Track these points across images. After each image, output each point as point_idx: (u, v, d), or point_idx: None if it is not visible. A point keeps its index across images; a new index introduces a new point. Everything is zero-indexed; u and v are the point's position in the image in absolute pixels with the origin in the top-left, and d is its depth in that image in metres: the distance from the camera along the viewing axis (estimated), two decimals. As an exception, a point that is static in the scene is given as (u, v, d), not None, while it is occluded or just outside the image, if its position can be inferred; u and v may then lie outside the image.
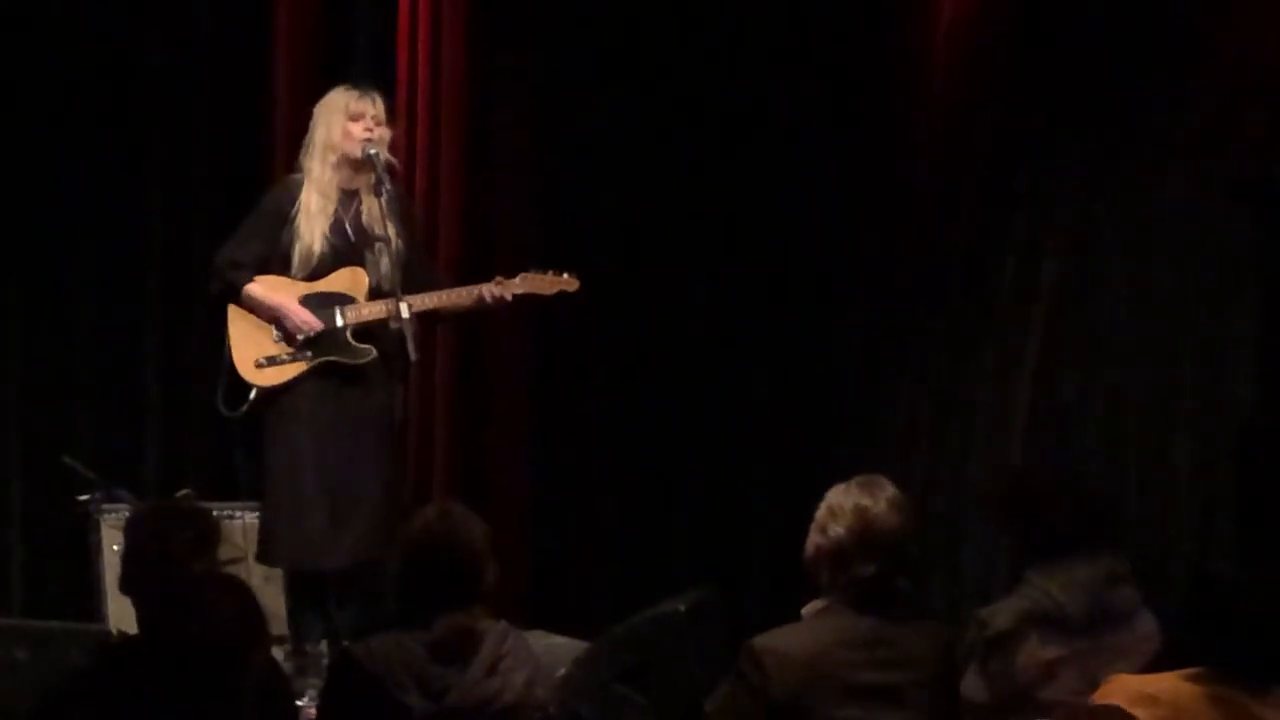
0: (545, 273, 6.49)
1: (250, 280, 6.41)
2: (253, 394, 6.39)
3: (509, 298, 6.45)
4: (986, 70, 6.68)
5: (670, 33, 7.30)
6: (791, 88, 7.16)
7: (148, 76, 7.52)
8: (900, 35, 6.96)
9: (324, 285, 6.42)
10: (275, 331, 6.41)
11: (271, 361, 6.40)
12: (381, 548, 6.08)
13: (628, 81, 7.34)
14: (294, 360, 6.40)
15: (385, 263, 6.38)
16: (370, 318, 6.38)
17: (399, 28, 7.36)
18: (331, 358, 6.39)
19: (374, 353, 6.39)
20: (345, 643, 4.64)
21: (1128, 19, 6.32)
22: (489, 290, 6.43)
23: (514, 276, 6.47)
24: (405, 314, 6.25)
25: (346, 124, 6.40)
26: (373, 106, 6.42)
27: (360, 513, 6.29)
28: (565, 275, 6.49)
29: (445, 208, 7.33)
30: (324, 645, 6.31)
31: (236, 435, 6.68)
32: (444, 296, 6.42)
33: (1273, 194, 6.00)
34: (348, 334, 6.40)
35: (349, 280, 6.41)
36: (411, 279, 6.41)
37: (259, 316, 6.41)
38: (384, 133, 6.43)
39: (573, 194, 7.42)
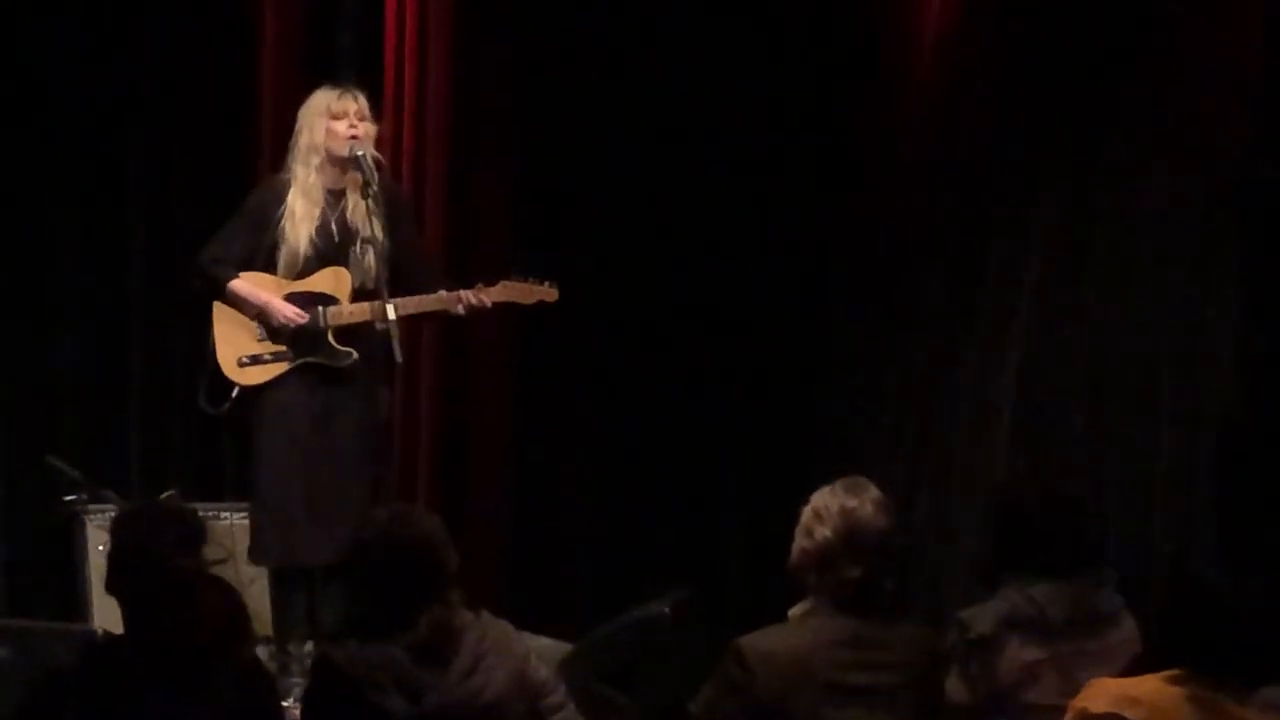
0: (525, 280, 6.48)
1: (235, 276, 6.42)
2: (234, 392, 6.39)
3: (489, 304, 6.45)
4: (971, 72, 6.69)
5: (655, 32, 7.30)
6: (776, 88, 7.16)
7: (132, 75, 7.52)
8: (886, 37, 6.97)
9: (307, 285, 6.41)
10: (258, 330, 6.41)
11: (254, 360, 6.40)
12: None
13: (614, 76, 7.33)
14: (276, 360, 6.40)
15: (370, 263, 6.37)
16: (352, 319, 6.37)
17: (385, 23, 7.36)
18: (312, 359, 6.39)
19: (355, 355, 6.38)
20: (325, 646, 4.64)
21: (1111, 21, 6.34)
22: (468, 297, 6.42)
23: (495, 284, 6.46)
24: (391, 315, 6.25)
25: (329, 124, 6.39)
26: (355, 104, 6.41)
27: (344, 510, 6.29)
28: (545, 285, 6.48)
29: (430, 203, 7.33)
30: (309, 645, 6.32)
31: (223, 435, 6.67)
32: (424, 302, 6.40)
33: (1256, 196, 6.02)
34: (329, 335, 6.39)
35: (332, 281, 6.41)
36: (403, 277, 6.41)
37: (244, 312, 6.41)
38: (368, 129, 6.43)
39: (558, 189, 7.42)
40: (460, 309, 6.41)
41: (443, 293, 6.43)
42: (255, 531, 6.44)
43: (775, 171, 7.17)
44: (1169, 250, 6.20)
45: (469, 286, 6.46)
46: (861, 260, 6.99)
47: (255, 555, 6.43)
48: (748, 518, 7.12)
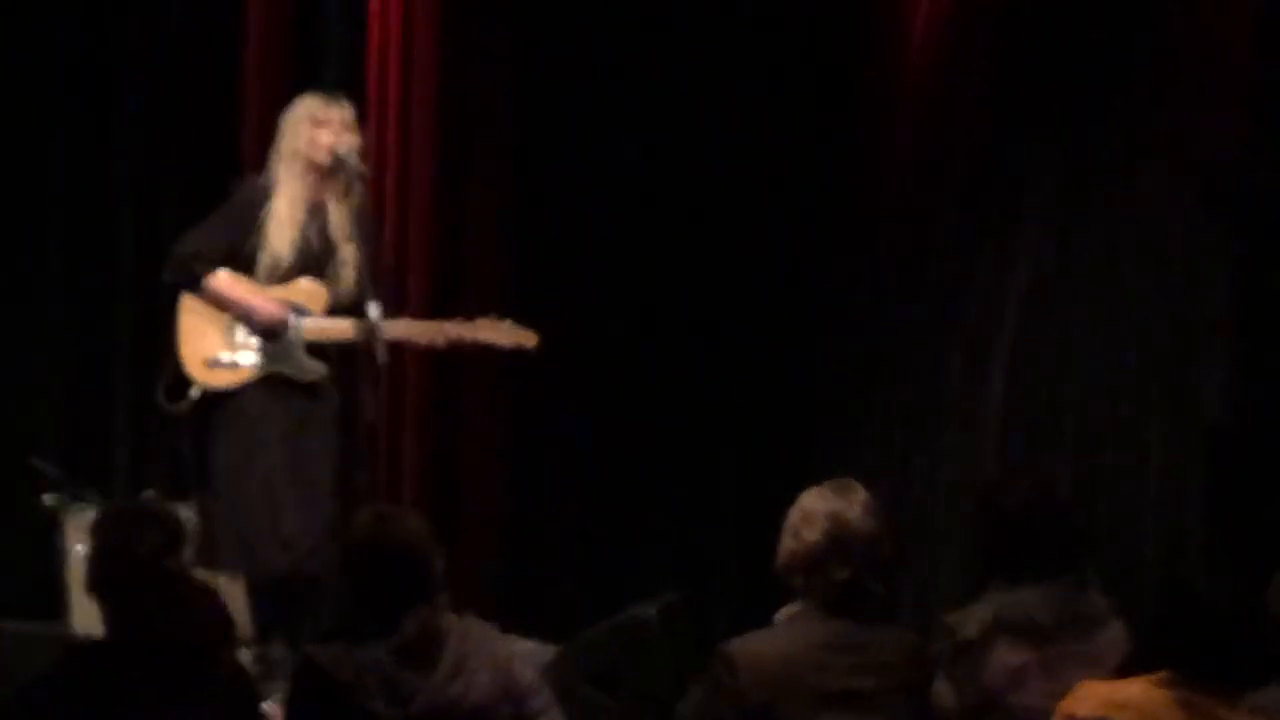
0: (504, 321, 6.44)
1: (213, 273, 6.37)
2: (194, 391, 6.34)
3: (467, 339, 6.42)
4: (961, 75, 6.70)
5: (651, 33, 7.28)
6: (774, 87, 7.16)
7: (118, 78, 7.50)
8: (876, 39, 6.97)
9: (284, 293, 6.36)
10: (229, 332, 6.35)
11: (221, 363, 6.34)
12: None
13: (611, 77, 7.32)
14: (245, 366, 6.35)
15: (348, 273, 6.33)
16: (325, 336, 6.32)
17: (369, 30, 7.34)
18: (280, 370, 6.34)
19: (323, 370, 6.33)
20: (308, 649, 4.61)
21: (1106, 23, 6.34)
22: (448, 329, 6.39)
23: (473, 319, 6.42)
24: (374, 313, 6.20)
25: (312, 131, 6.34)
26: (339, 112, 6.37)
27: (313, 516, 6.25)
28: (525, 330, 6.44)
29: (415, 212, 7.30)
30: (288, 648, 6.28)
31: (196, 436, 6.63)
32: (403, 328, 6.36)
33: (1248, 200, 6.02)
34: (300, 348, 6.35)
35: (308, 292, 6.35)
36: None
37: (225, 310, 6.34)
38: (352, 139, 6.38)
39: (546, 193, 7.40)
40: (441, 341, 6.38)
41: (422, 323, 6.40)
42: (209, 535, 6.36)
43: (771, 171, 7.16)
44: (1162, 252, 6.21)
45: (457, 309, 6.45)
46: (857, 261, 6.98)
47: (209, 559, 6.35)
48: (740, 520, 7.11)
